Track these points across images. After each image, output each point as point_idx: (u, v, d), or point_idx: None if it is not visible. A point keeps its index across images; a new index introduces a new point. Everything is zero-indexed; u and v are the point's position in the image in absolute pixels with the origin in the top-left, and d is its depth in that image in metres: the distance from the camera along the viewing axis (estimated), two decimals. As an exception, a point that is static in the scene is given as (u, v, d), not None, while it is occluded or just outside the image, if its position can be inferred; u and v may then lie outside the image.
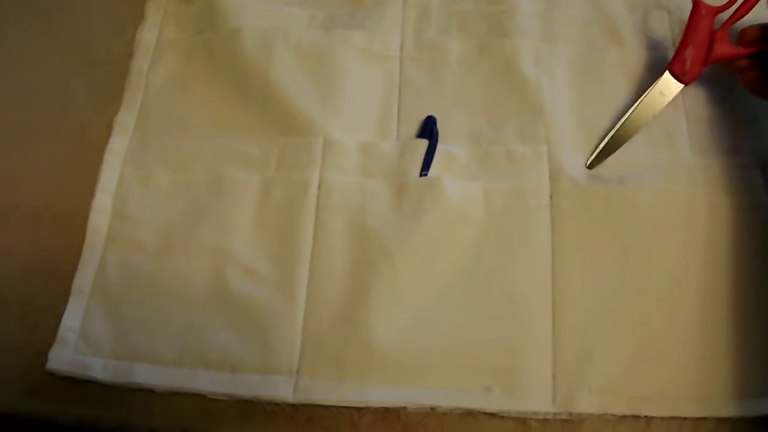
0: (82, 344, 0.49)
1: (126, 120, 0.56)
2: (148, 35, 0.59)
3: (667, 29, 0.57)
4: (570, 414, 0.46)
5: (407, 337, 0.47)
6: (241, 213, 0.51)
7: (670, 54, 0.55)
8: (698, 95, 0.55)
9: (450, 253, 0.49)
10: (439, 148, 0.52)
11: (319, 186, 0.51)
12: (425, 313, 0.47)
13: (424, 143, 0.52)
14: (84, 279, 0.50)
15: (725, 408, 0.45)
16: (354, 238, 0.49)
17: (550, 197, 0.50)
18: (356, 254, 0.49)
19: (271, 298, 0.48)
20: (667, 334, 0.47)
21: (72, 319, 0.49)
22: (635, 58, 0.56)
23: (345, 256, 0.49)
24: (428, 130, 0.53)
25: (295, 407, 0.47)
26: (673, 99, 0.53)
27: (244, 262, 0.49)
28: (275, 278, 0.49)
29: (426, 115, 0.54)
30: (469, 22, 0.57)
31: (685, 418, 0.46)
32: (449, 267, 0.48)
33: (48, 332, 0.50)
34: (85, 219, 0.53)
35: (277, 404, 0.47)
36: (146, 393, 0.48)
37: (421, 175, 0.51)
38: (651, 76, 0.55)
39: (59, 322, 0.50)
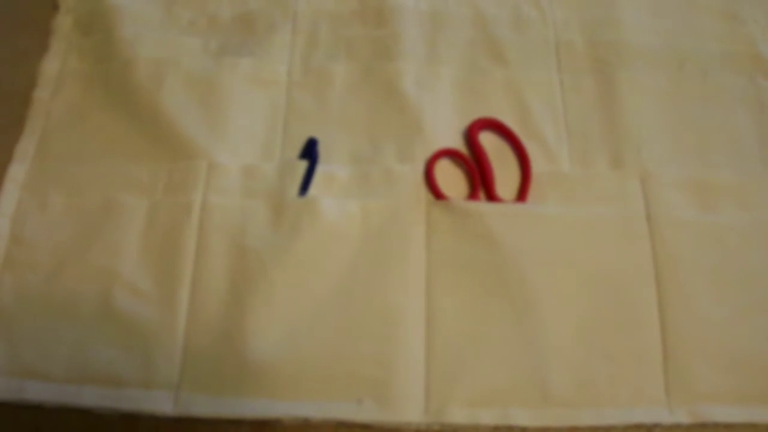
0: None
1: (26, 148, 0.58)
2: (50, 66, 0.62)
3: (551, 49, 0.60)
4: (442, 425, 0.48)
5: (281, 351, 0.49)
6: (129, 236, 0.53)
7: (554, 75, 0.57)
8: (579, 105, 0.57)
9: (325, 269, 0.51)
10: (321, 168, 0.54)
11: (202, 208, 0.53)
12: (300, 328, 0.49)
13: (303, 164, 0.54)
14: None
15: (603, 416, 0.47)
16: (233, 258, 0.51)
17: (426, 214, 0.52)
18: (235, 273, 0.51)
19: (154, 315, 0.50)
20: (540, 345, 0.49)
21: None
22: (519, 78, 0.58)
23: (224, 275, 0.51)
24: (309, 151, 0.55)
25: (177, 421, 0.49)
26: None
27: (130, 281, 0.52)
28: (158, 297, 0.51)
29: (308, 138, 0.56)
30: (356, 47, 0.60)
31: (559, 428, 0.48)
32: (324, 283, 0.50)
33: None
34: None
35: (159, 418, 0.49)
36: (35, 410, 0.50)
37: (300, 195, 0.53)
38: (535, 95, 0.57)
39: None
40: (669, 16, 0.62)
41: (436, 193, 0.54)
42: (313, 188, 0.54)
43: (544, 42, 0.60)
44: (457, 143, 0.56)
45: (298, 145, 0.56)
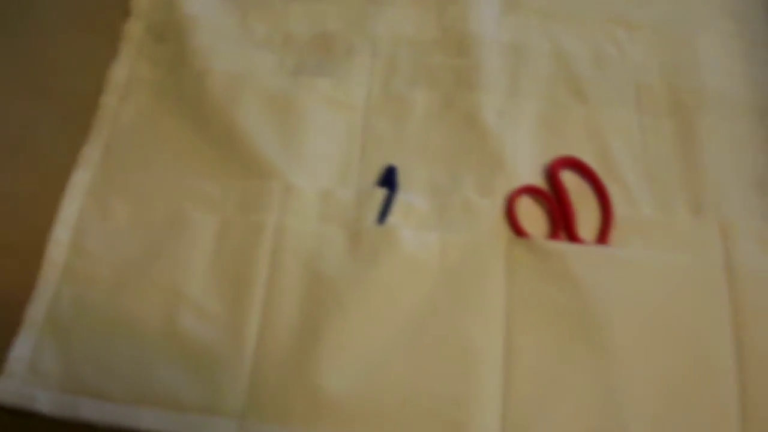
0: (30, 376, 0.49)
1: (91, 154, 0.57)
2: (120, 72, 0.60)
3: (631, 89, 0.59)
4: None
5: (356, 385, 0.47)
6: (197, 253, 0.51)
7: (634, 115, 0.56)
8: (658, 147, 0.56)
9: (402, 302, 0.49)
10: (399, 197, 0.52)
11: (276, 230, 0.52)
12: (375, 362, 0.48)
13: (381, 192, 0.52)
14: (37, 310, 0.51)
15: None
16: (308, 284, 0.50)
17: (506, 251, 0.51)
18: (309, 300, 0.49)
19: (221, 339, 0.49)
20: (619, 392, 0.47)
21: (22, 349, 0.50)
22: (599, 116, 0.57)
23: (298, 301, 0.49)
24: (388, 179, 0.53)
25: (240, 450, 0.47)
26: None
27: (197, 302, 0.50)
28: (226, 319, 0.49)
29: (387, 165, 0.54)
30: (436, 75, 0.58)
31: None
32: (400, 316, 0.49)
33: (-1, 364, 0.50)
34: (40, 251, 0.53)
35: (221, 446, 0.47)
36: (88, 428, 0.48)
37: (378, 224, 0.51)
38: (615, 135, 0.56)
39: (7, 353, 0.50)
40: (750, 64, 0.61)
41: (517, 229, 0.52)
42: (391, 217, 0.52)
43: (623, 81, 0.59)
44: (537, 179, 0.55)
45: (375, 171, 0.55)
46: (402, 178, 0.54)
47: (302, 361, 0.48)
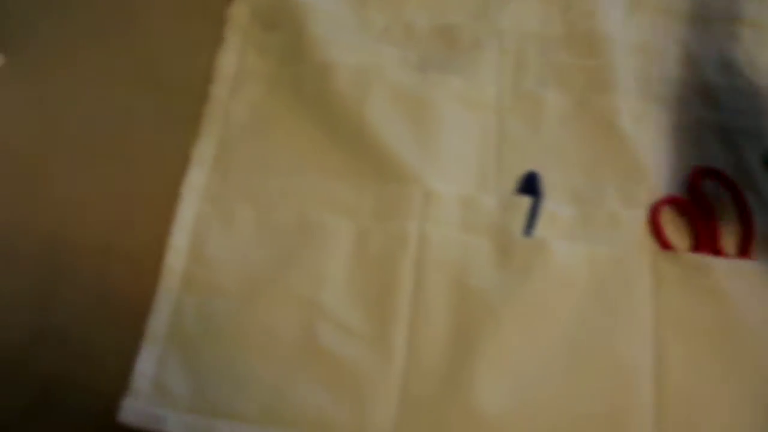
0: (156, 395, 0.45)
1: (205, 152, 0.52)
2: (227, 62, 0.56)
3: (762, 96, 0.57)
4: None
5: (511, 403, 0.45)
6: (334, 262, 0.48)
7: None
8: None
9: (554, 317, 0.47)
10: (543, 206, 0.50)
11: (419, 240, 0.48)
12: (530, 379, 0.45)
13: (527, 200, 0.50)
14: (158, 323, 0.47)
15: None
16: (456, 297, 0.47)
17: (652, 265, 0.49)
18: (458, 313, 0.47)
19: (367, 356, 0.46)
20: None
21: (146, 365, 0.46)
22: (731, 124, 0.55)
23: (446, 315, 0.47)
24: (530, 186, 0.51)
25: (390, 474, 0.44)
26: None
27: (337, 316, 0.47)
28: (371, 335, 0.46)
29: (525, 169, 0.52)
30: (566, 75, 0.56)
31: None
32: (553, 332, 0.47)
33: (115, 376, 0.46)
34: (155, 257, 0.50)
35: (369, 470, 0.44)
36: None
37: (525, 234, 0.49)
38: (748, 144, 0.54)
39: (127, 365, 0.47)
40: None
41: (662, 242, 0.50)
42: (536, 227, 0.49)
43: (752, 89, 0.57)
44: (677, 189, 0.53)
45: (512, 176, 0.52)
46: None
47: (455, 377, 0.45)
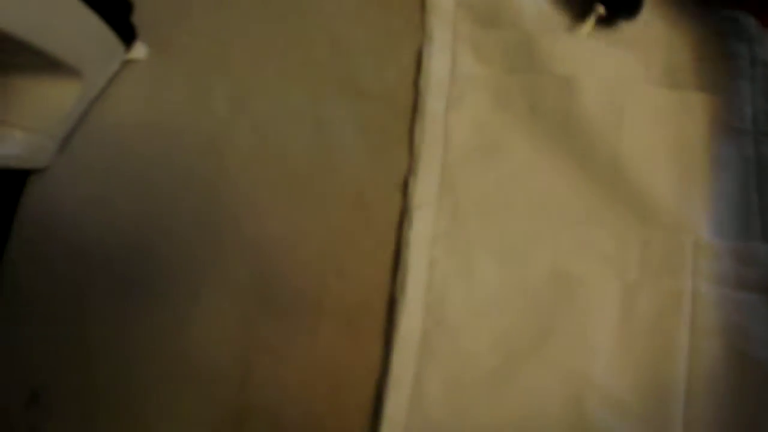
0: None
1: (428, 185, 0.43)
2: (439, 65, 0.46)
3: None
4: None
5: None
6: (600, 325, 0.41)
7: None
8: None
9: None
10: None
11: (693, 300, 0.42)
12: None
13: None
14: (397, 406, 0.40)
15: None
16: (734, 369, 0.42)
17: None
18: (737, 389, 0.41)
19: (640, 433, 0.40)
20: None
21: None
22: None
23: (724, 391, 0.41)
24: None
25: None
26: None
27: (606, 388, 0.41)
28: (642, 411, 0.41)
29: None
30: None
31: None
32: None
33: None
34: (373, 311, 0.42)
35: None
36: None
37: None
38: None
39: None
40: None
41: None
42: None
43: None
44: None
45: None
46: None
47: None
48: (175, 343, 0.41)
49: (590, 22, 0.46)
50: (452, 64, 0.46)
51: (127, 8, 0.46)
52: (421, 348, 0.41)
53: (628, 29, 0.47)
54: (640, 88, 0.45)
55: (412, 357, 0.41)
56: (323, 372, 0.41)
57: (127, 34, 0.45)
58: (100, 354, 0.41)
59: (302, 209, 0.44)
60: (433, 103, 0.44)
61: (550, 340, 0.41)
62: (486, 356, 0.41)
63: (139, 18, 0.46)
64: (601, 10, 0.46)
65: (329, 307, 0.42)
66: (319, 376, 0.41)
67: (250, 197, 0.44)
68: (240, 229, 0.43)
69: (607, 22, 0.47)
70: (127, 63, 0.46)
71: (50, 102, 0.41)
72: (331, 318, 0.42)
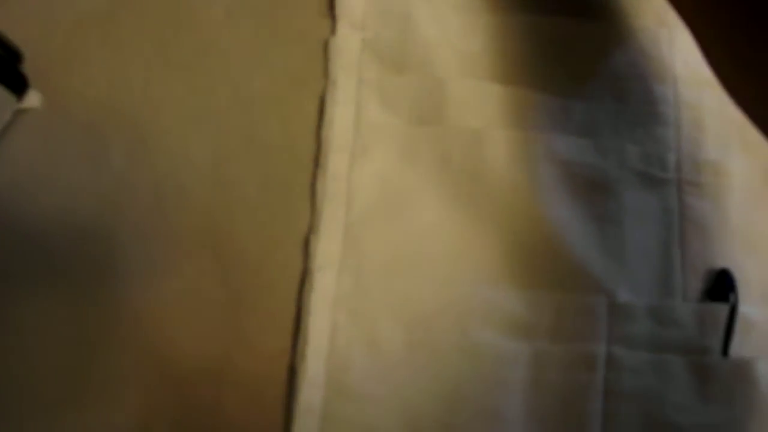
0: None
1: (330, 245, 0.41)
2: (342, 114, 0.43)
3: None
4: None
5: None
6: (510, 395, 0.40)
7: None
8: None
9: None
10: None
11: (607, 365, 0.40)
12: None
13: (724, 309, 0.42)
14: None
15: None
16: None
17: None
18: None
19: None
20: None
21: None
22: None
23: None
24: (722, 288, 0.43)
25: None
26: None
27: None
28: None
29: (712, 262, 0.44)
30: (750, 136, 0.46)
31: None
32: None
33: None
34: (276, 382, 0.40)
35: None
36: None
37: (723, 353, 0.41)
38: None
39: None
40: None
41: None
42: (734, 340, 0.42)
43: None
44: None
45: (699, 272, 0.44)
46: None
47: None
48: None
49: None
50: (357, 113, 0.43)
51: (15, 57, 0.43)
52: (322, 421, 0.39)
53: None
54: (556, 141, 0.43)
55: (314, 430, 0.39)
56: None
57: (16, 85, 0.43)
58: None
59: (202, 271, 0.42)
60: (336, 156, 0.42)
61: (459, 413, 0.39)
62: (392, 428, 0.39)
63: (31, 64, 0.43)
64: None
65: (231, 378, 0.40)
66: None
67: (148, 257, 0.42)
68: (136, 291, 0.41)
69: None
70: (20, 112, 0.44)
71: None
72: (234, 389, 0.40)
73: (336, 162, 0.42)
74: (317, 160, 0.43)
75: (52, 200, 0.43)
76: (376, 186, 0.42)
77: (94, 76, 0.45)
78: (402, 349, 0.40)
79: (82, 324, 0.40)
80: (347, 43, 0.44)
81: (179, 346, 0.41)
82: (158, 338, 0.40)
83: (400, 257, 0.41)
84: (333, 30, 0.45)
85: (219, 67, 0.45)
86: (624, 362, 0.41)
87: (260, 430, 0.39)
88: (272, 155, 0.43)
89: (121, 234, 0.42)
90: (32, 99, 0.44)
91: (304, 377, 0.39)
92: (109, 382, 0.40)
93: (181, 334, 0.41)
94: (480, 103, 0.43)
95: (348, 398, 0.39)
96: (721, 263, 0.44)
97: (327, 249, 0.41)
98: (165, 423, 0.39)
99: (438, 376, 0.40)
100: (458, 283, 0.41)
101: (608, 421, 0.40)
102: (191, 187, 0.43)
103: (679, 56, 0.46)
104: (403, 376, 0.40)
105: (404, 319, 0.40)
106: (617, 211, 0.43)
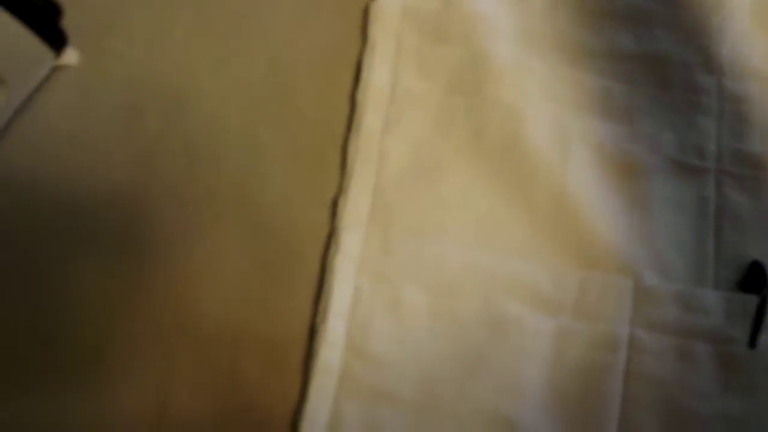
0: None
1: (359, 206, 0.41)
2: (379, 78, 0.43)
3: None
4: None
5: None
6: (530, 367, 0.39)
7: None
8: None
9: None
10: (766, 304, 0.42)
11: (629, 346, 0.40)
12: None
13: (753, 301, 0.41)
14: None
15: None
16: (669, 421, 0.39)
17: None
18: None
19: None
20: None
21: None
22: None
23: None
24: (754, 279, 0.42)
25: None
26: None
27: None
28: None
29: (746, 254, 0.43)
30: None
31: None
32: None
33: None
34: (297, 346, 0.40)
35: None
36: None
37: (751, 345, 0.41)
38: None
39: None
40: None
41: None
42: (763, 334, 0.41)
43: None
44: None
45: (733, 264, 0.43)
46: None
47: None
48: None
49: None
50: (394, 78, 0.43)
51: (55, 12, 0.43)
52: (340, 381, 0.39)
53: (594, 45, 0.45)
54: (591, 123, 0.42)
55: (331, 391, 0.39)
56: (243, 409, 0.39)
57: (55, 40, 0.43)
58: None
59: (230, 234, 0.42)
60: (370, 118, 0.42)
61: (477, 379, 0.39)
62: (409, 392, 0.39)
63: (70, 22, 0.43)
64: None
65: (251, 342, 0.40)
66: (237, 414, 0.39)
67: (176, 221, 0.42)
68: (163, 254, 0.42)
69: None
70: (57, 69, 0.44)
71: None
72: (253, 353, 0.40)
73: (370, 124, 0.42)
74: (350, 125, 0.43)
75: (85, 159, 0.44)
76: (408, 151, 0.42)
77: (134, 38, 0.46)
78: (424, 315, 0.40)
79: (109, 283, 0.41)
80: (389, 8, 0.44)
81: (204, 308, 0.41)
82: (185, 299, 0.41)
83: (427, 223, 0.41)
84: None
85: (258, 34, 0.45)
86: (647, 345, 0.40)
87: (279, 394, 0.39)
88: (306, 124, 0.43)
89: (152, 195, 0.43)
90: (70, 56, 0.45)
91: (324, 337, 0.39)
92: (132, 341, 0.40)
93: (207, 296, 0.41)
94: (519, 78, 0.43)
95: (366, 360, 0.39)
96: (754, 256, 0.43)
97: (355, 210, 0.41)
98: (184, 386, 0.39)
99: (458, 344, 0.40)
100: (484, 252, 0.41)
101: (627, 402, 0.39)
102: (224, 151, 0.43)
103: (728, 46, 0.45)
104: (424, 341, 0.40)
105: (428, 284, 0.40)
106: (648, 197, 0.42)
